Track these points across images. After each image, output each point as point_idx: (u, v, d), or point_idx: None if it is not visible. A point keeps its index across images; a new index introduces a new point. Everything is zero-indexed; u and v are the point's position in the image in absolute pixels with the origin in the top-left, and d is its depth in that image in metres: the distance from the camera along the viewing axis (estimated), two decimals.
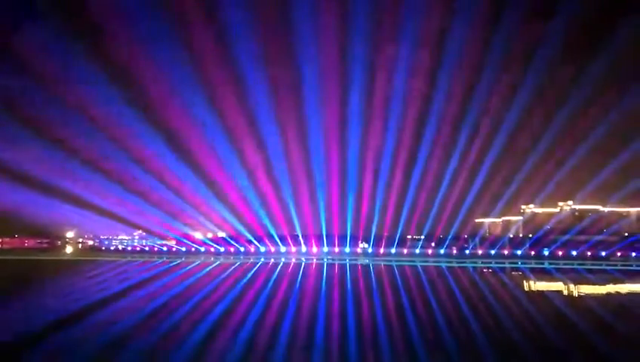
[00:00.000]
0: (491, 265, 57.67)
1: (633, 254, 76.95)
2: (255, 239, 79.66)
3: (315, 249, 77.66)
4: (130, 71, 66.66)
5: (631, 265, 61.52)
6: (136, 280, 30.65)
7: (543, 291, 29.82)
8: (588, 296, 27.88)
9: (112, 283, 28.45)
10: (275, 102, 70.32)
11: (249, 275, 36.17)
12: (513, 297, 25.34)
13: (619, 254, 76.68)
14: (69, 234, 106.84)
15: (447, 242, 79.18)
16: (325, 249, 77.18)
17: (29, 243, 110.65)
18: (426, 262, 62.10)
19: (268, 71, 70.34)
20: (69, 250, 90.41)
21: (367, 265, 52.68)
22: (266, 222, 76.70)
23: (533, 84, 65.94)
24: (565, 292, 28.91)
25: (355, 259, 65.43)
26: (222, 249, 78.34)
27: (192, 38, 63.59)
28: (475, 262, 60.49)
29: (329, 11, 59.99)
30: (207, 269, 43.65)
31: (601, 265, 59.87)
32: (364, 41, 63.80)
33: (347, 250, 77.64)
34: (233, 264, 52.70)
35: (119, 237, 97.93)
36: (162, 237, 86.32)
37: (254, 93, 69.35)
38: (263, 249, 77.33)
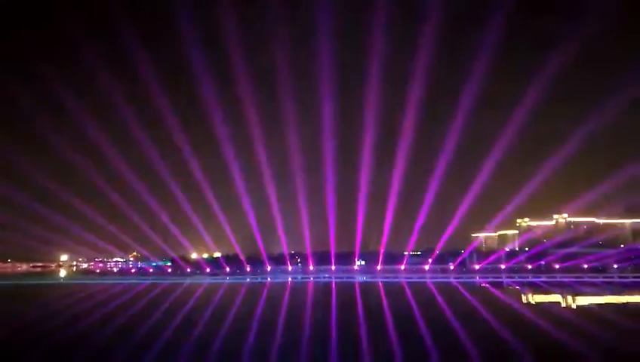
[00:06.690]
0: (490, 279, 57.04)
1: (629, 266, 76.90)
2: (250, 259, 78.94)
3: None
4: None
5: (627, 277, 61.17)
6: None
7: (555, 307, 28.81)
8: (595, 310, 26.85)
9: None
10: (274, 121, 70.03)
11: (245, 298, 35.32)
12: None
13: (615, 266, 76.58)
14: (63, 258, 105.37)
15: (446, 258, 78.60)
16: (322, 267, 76.44)
17: (22, 267, 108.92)
18: (426, 278, 61.16)
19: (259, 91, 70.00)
20: (62, 273, 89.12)
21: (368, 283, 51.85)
22: (261, 240, 76.15)
23: None
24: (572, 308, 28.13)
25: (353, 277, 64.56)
26: (218, 270, 77.54)
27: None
28: (473, 278, 59.66)
29: None
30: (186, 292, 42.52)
31: (597, 277, 59.31)
32: None
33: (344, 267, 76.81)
34: (234, 284, 51.76)
35: (114, 259, 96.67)
36: (157, 259, 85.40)
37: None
38: (258, 268, 76.58)
